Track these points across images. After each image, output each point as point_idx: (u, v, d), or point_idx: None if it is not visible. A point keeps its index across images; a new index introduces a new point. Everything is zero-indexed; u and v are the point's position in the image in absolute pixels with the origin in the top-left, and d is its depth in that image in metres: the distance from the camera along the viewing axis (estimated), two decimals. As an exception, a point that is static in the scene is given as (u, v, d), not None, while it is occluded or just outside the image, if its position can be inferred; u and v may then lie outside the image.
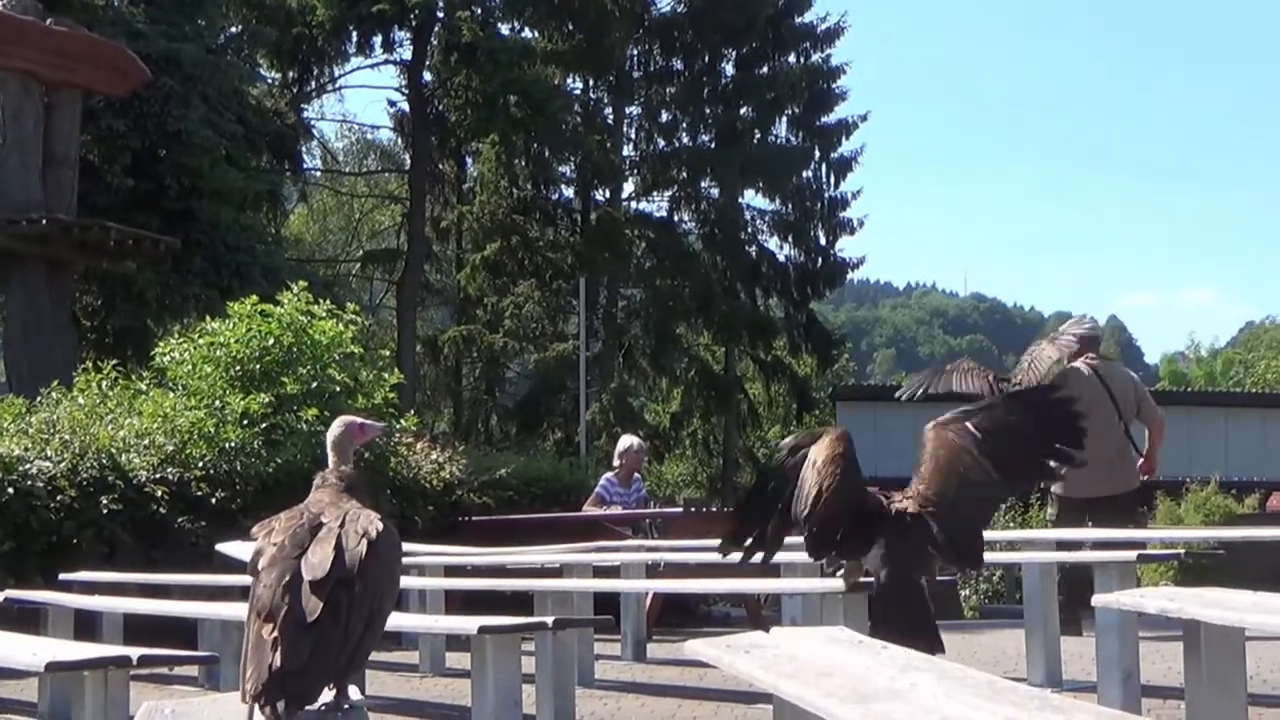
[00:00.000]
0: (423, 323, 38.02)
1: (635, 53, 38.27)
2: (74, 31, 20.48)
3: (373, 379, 14.99)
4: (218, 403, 13.70)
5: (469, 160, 38.29)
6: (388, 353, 17.40)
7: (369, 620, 3.76)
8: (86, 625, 9.95)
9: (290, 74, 34.93)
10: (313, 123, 39.46)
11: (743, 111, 38.15)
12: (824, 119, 38.20)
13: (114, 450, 12.93)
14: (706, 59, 38.04)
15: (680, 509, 15.58)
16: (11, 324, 19.82)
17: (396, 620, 8.56)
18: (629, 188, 38.96)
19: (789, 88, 37.33)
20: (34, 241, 19.30)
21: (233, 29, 31.76)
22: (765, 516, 5.72)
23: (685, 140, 38.54)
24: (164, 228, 22.78)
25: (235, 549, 11.60)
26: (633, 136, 38.91)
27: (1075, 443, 5.73)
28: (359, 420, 4.39)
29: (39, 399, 14.22)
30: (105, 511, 12.37)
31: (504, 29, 35.17)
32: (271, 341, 14.10)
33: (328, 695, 3.82)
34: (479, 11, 33.54)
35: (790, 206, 38.31)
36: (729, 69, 38.63)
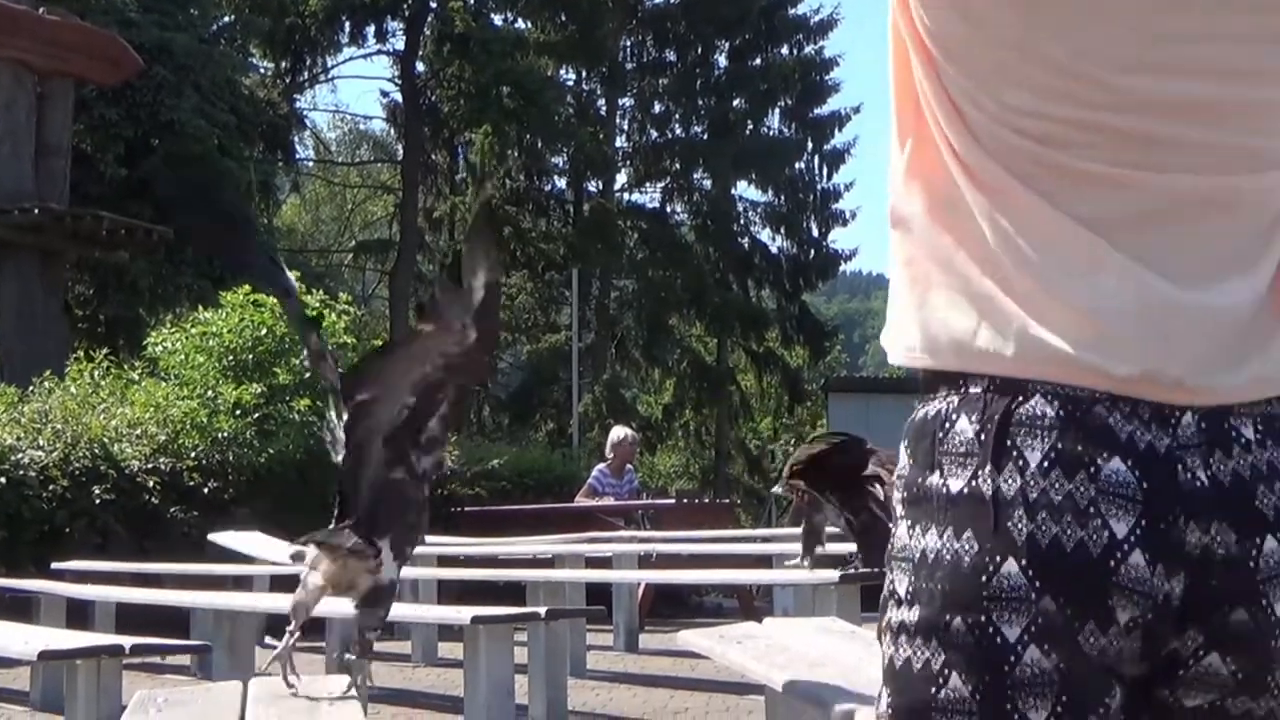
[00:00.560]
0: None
1: (628, 44, 38.22)
2: (66, 20, 20.44)
3: (365, 369, 14.98)
4: (210, 392, 13.71)
5: (461, 150, 38.24)
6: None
7: None
8: (79, 614, 9.94)
9: (283, 64, 34.86)
10: (305, 113, 39.43)
11: (735, 103, 38.08)
12: (817, 111, 38.13)
13: (106, 440, 12.93)
14: (699, 50, 37.97)
15: (672, 500, 15.58)
16: (4, 313, 19.77)
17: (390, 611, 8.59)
18: (621, 179, 38.92)
19: (782, 79, 37.28)
20: (26, 231, 19.29)
21: (225, 18, 31.71)
22: None
23: (678, 132, 38.48)
24: (156, 217, 22.75)
25: (227, 539, 11.60)
26: (625, 128, 38.85)
27: None
28: None
29: (31, 388, 14.20)
30: (98, 501, 12.37)
31: (497, 20, 35.13)
32: (264, 331, 14.11)
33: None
34: (472, 2, 33.49)
35: (783, 198, 38.25)
36: (722, 60, 38.55)
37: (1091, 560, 1.29)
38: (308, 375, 14.05)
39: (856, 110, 38.31)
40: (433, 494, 13.32)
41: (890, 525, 1.47)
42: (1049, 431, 1.32)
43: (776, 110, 38.35)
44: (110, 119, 23.84)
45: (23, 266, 19.58)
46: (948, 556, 1.34)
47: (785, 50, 38.14)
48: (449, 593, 10.56)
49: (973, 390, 1.37)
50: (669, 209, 38.84)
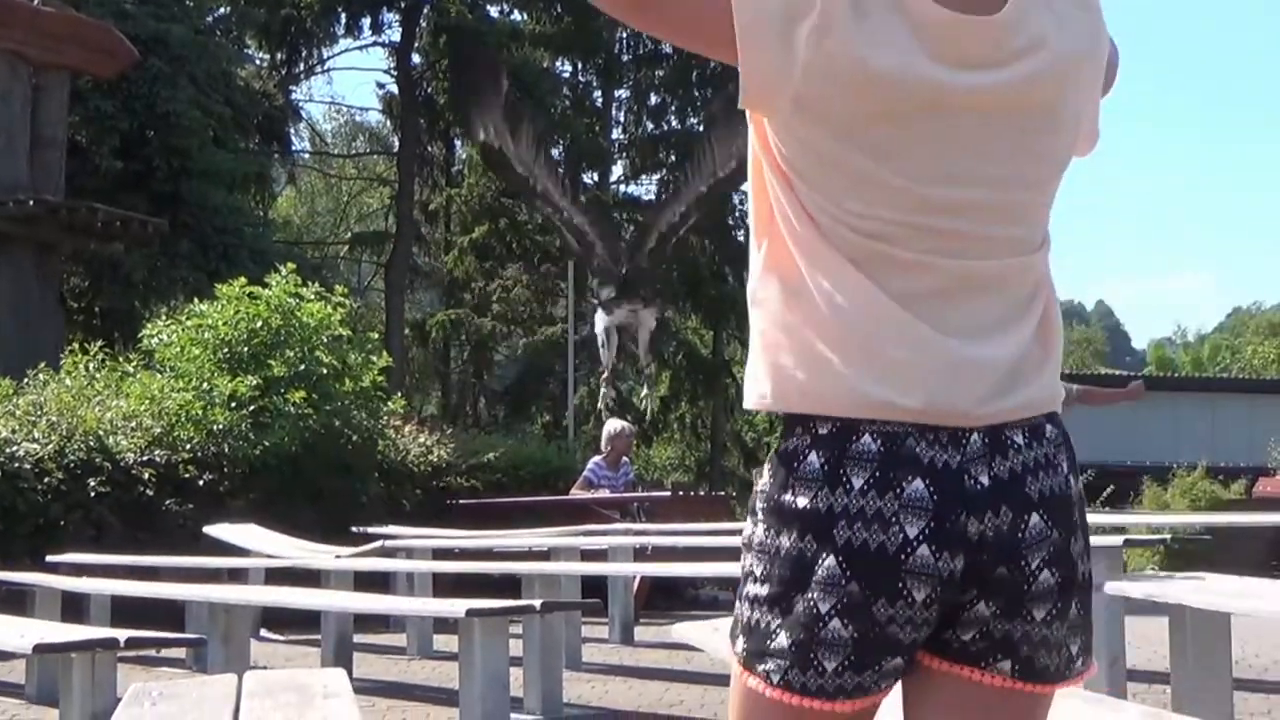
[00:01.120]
0: (411, 305, 37.98)
1: (624, 36, 38.14)
2: (62, 12, 20.44)
3: (361, 361, 14.99)
4: (205, 385, 13.70)
5: (458, 143, 38.20)
6: (376, 335, 17.38)
7: None
8: (74, 607, 9.94)
9: (279, 55, 34.83)
10: (301, 104, 39.40)
11: (732, 95, 38.12)
12: (813, 104, 38.18)
13: (101, 432, 12.93)
14: (696, 42, 37.97)
15: (668, 493, 15.58)
16: (-1, 306, 19.80)
17: (384, 603, 8.61)
18: (617, 171, 38.93)
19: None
20: (21, 223, 19.27)
21: (221, 10, 31.70)
22: None
23: (674, 124, 38.46)
24: (152, 209, 22.74)
25: (223, 531, 11.61)
26: (621, 120, 38.85)
27: None
28: None
29: (26, 381, 14.20)
30: (92, 493, 12.37)
31: (493, 11, 35.12)
32: (259, 324, 14.10)
33: None
34: (468, -7, 33.50)
35: (779, 191, 38.29)
36: (718, 52, 38.56)
37: (887, 556, 1.80)
38: (302, 367, 14.05)
39: (852, 104, 38.37)
40: (425, 485, 13.33)
41: None
42: (871, 462, 1.83)
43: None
44: (105, 111, 23.82)
45: (17, 259, 19.57)
46: (793, 552, 1.84)
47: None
48: (444, 585, 10.56)
49: (821, 431, 1.86)
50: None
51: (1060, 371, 2.04)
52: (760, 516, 1.90)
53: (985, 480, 1.84)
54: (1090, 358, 73.17)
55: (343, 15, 34.30)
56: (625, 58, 38.29)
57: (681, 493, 15.59)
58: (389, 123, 40.83)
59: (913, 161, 1.84)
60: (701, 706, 7.38)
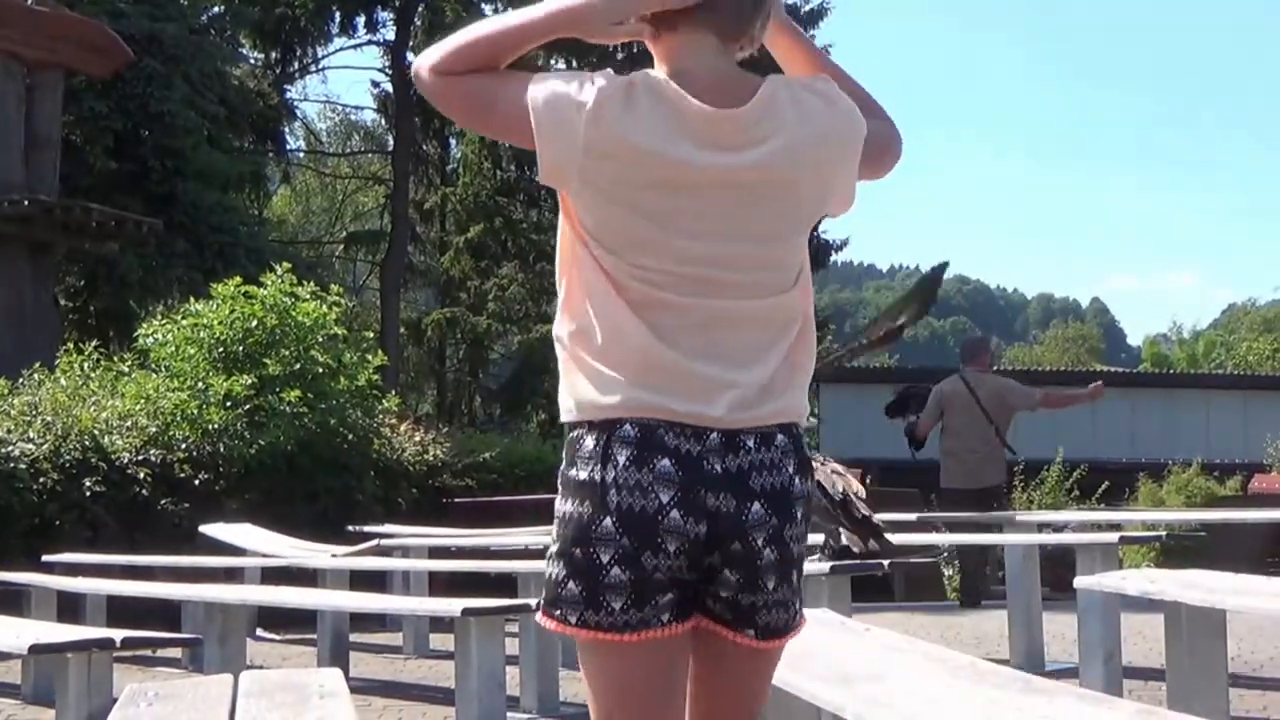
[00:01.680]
0: (406, 304, 37.95)
1: (618, 34, 38.22)
2: (56, 11, 20.42)
3: (356, 360, 14.99)
4: (200, 384, 13.70)
5: (453, 141, 38.18)
6: (371, 334, 17.39)
7: None
8: (70, 607, 9.94)
9: (273, 54, 34.80)
10: (296, 104, 39.37)
11: (726, 93, 38.11)
12: (808, 101, 38.19)
13: (96, 432, 12.93)
14: (690, 40, 37.99)
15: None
16: (-7, 305, 19.78)
17: (381, 602, 8.60)
18: (612, 168, 38.94)
19: (772, 69, 37.29)
20: (16, 223, 19.25)
21: (214, 9, 31.67)
22: None
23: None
24: (147, 209, 22.74)
25: (218, 530, 11.60)
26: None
27: None
28: None
29: (21, 381, 14.19)
30: (88, 493, 12.38)
31: (487, 9, 35.09)
32: (255, 323, 14.10)
33: None
34: (462, -9, 33.48)
35: (774, 188, 38.31)
36: (712, 51, 38.57)
37: (648, 516, 2.33)
38: (297, 366, 14.05)
39: (847, 100, 38.37)
40: (421, 484, 13.29)
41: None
42: (631, 445, 2.36)
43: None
44: (100, 111, 23.81)
45: (12, 258, 19.55)
46: (576, 515, 2.37)
47: (776, 40, 38.15)
48: (440, 584, 10.56)
49: (598, 422, 2.39)
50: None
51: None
52: (560, 491, 2.43)
53: (719, 469, 2.37)
54: (1085, 354, 73.21)
55: (337, 14, 34.28)
56: (619, 55, 38.29)
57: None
58: (384, 121, 40.79)
59: (678, 223, 2.37)
60: (698, 704, 7.37)
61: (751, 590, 2.41)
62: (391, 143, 38.34)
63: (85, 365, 14.69)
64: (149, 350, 14.58)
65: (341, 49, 37.20)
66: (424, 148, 37.71)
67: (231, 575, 10.64)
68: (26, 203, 19.13)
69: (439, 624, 9.54)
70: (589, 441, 2.38)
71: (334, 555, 10.13)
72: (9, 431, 12.62)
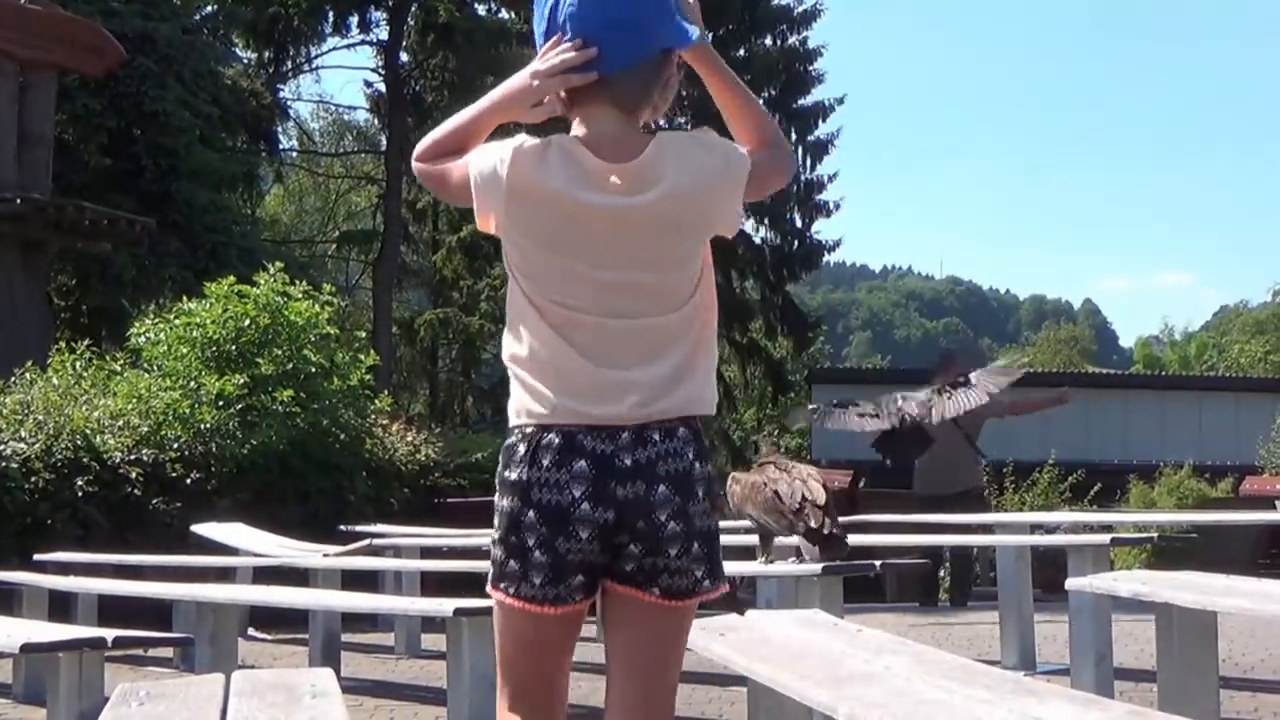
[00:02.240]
0: (399, 304, 37.93)
1: (612, 34, 38.18)
2: (49, 10, 20.39)
3: (348, 360, 14.99)
4: (193, 384, 13.69)
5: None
6: (363, 334, 17.40)
7: None
8: (61, 606, 9.92)
9: (266, 54, 34.73)
10: (289, 103, 39.30)
11: (719, 94, 38.03)
12: (800, 101, 38.09)
13: (88, 431, 12.92)
14: (683, 41, 37.91)
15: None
16: (-14, 304, 19.74)
17: (372, 602, 8.60)
18: (605, 169, 38.90)
19: (765, 70, 37.20)
20: (8, 221, 19.22)
21: (208, 8, 31.63)
22: None
23: (661, 122, 38.35)
24: (140, 208, 22.69)
25: (210, 530, 11.59)
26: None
27: None
28: None
29: (13, 380, 14.18)
30: (80, 493, 12.37)
31: (480, 9, 35.06)
32: (247, 322, 14.09)
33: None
34: (455, -8, 33.45)
35: (767, 189, 38.21)
36: (705, 51, 38.50)
37: (563, 509, 2.85)
38: (289, 366, 14.04)
39: (840, 101, 38.29)
40: (413, 484, 13.30)
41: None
42: (554, 450, 2.87)
43: (760, 101, 38.25)
44: (93, 109, 23.77)
45: (4, 257, 19.52)
46: (509, 509, 2.91)
47: (768, 41, 38.08)
48: (432, 584, 10.55)
49: (528, 431, 2.92)
50: (653, 199, 38.77)
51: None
52: (498, 489, 2.96)
53: (629, 462, 2.86)
54: (1077, 356, 73.19)
55: (330, 13, 34.21)
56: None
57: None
58: (376, 121, 40.78)
59: (588, 255, 2.89)
60: (689, 705, 7.38)
61: (655, 555, 2.88)
62: (384, 142, 38.29)
63: (77, 364, 14.66)
64: (141, 349, 14.57)
65: (335, 49, 37.23)
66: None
67: (223, 575, 10.63)
68: (19, 201, 19.10)
69: (431, 624, 9.53)
70: (521, 448, 2.92)
71: (326, 555, 10.13)
72: (1, 431, 12.61)
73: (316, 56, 37.53)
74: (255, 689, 4.40)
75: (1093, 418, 29.43)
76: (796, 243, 38.42)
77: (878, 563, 6.78)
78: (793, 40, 38.09)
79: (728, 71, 3.30)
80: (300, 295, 14.58)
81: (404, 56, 35.62)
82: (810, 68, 38.08)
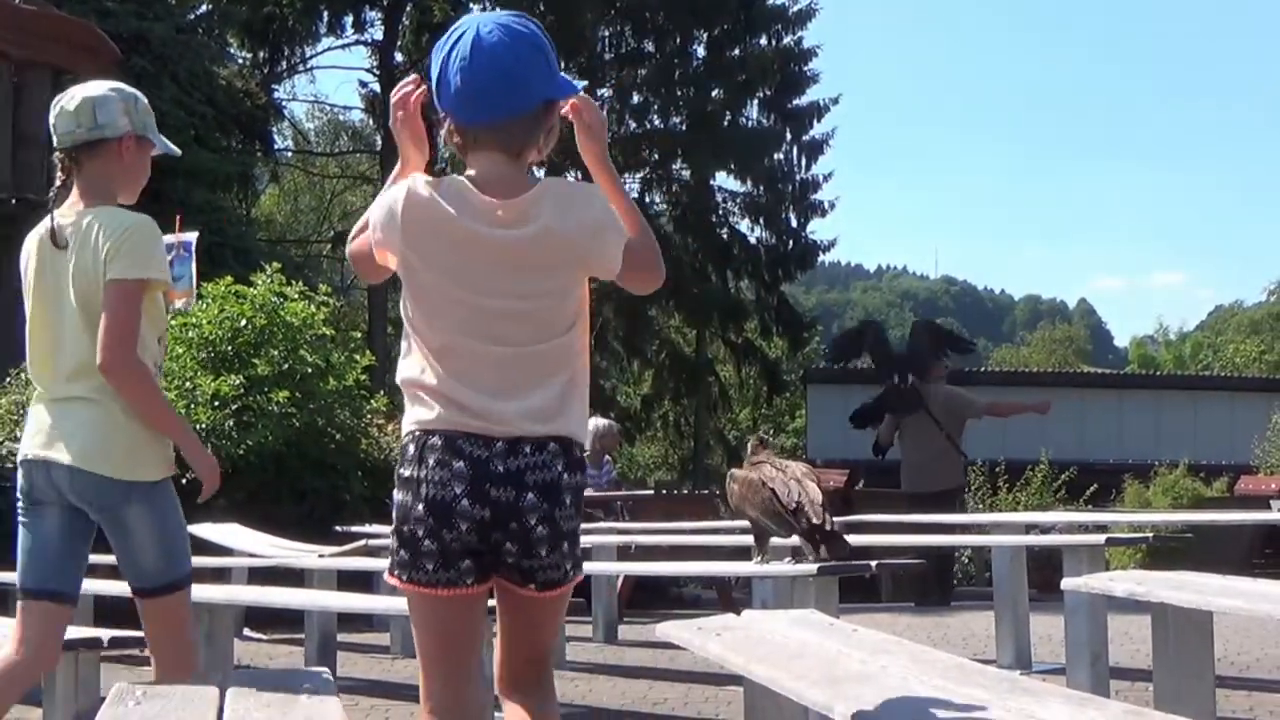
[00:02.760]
0: (394, 304, 37.76)
1: (606, 34, 38.20)
2: (43, 10, 20.38)
3: (344, 360, 14.97)
4: (189, 384, 13.66)
5: (441, 141, 38.16)
6: (359, 334, 17.35)
7: None
8: (56, 607, 9.89)
9: (261, 54, 34.78)
10: (284, 103, 39.37)
11: (714, 94, 38.04)
12: (795, 101, 38.16)
13: (84, 431, 12.87)
14: (678, 41, 37.93)
15: (651, 492, 15.54)
16: (-20, 304, 19.70)
17: (368, 602, 8.60)
18: (601, 169, 38.86)
19: (760, 70, 37.27)
20: (3, 222, 19.16)
21: (202, 8, 31.62)
22: None
23: (657, 123, 38.46)
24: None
25: (206, 530, 11.57)
26: (604, 118, 38.84)
27: None
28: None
29: (8, 380, 14.16)
30: (75, 493, 12.33)
31: (475, 8, 35.06)
32: (243, 323, 14.06)
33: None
34: (450, -9, 33.47)
35: (762, 189, 38.22)
36: (700, 51, 38.51)
37: (446, 503, 3.16)
38: (285, 366, 14.02)
39: (835, 101, 38.38)
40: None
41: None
42: (437, 450, 3.19)
43: (755, 101, 38.32)
44: (87, 109, 23.74)
45: (-1, 257, 19.51)
46: (402, 502, 3.23)
47: (764, 41, 38.15)
48: (428, 584, 10.54)
49: (416, 434, 3.24)
50: (648, 199, 38.80)
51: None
52: (396, 485, 3.26)
53: (501, 469, 3.17)
54: (1072, 356, 73.26)
55: (325, 13, 34.29)
56: (608, 56, 38.32)
57: (665, 492, 15.56)
58: (371, 121, 40.80)
59: (471, 282, 3.22)
60: (685, 705, 7.39)
61: (528, 557, 3.23)
62: (379, 142, 38.33)
63: (72, 364, 14.63)
64: (136, 350, 14.55)
65: (329, 49, 37.19)
66: (412, 147, 37.70)
67: (219, 575, 10.62)
68: (14, 202, 19.08)
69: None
70: (411, 449, 3.25)
71: (321, 555, 10.12)
72: (-4, 431, 12.61)
73: (311, 56, 37.64)
74: (251, 689, 4.41)
75: (1088, 417, 29.48)
76: (791, 243, 38.48)
77: (873, 563, 6.78)
78: (788, 40, 38.18)
79: (609, 170, 3.60)
80: (296, 295, 14.57)
81: (399, 56, 35.66)
82: (805, 68, 38.16)
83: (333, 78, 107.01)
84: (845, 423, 15.31)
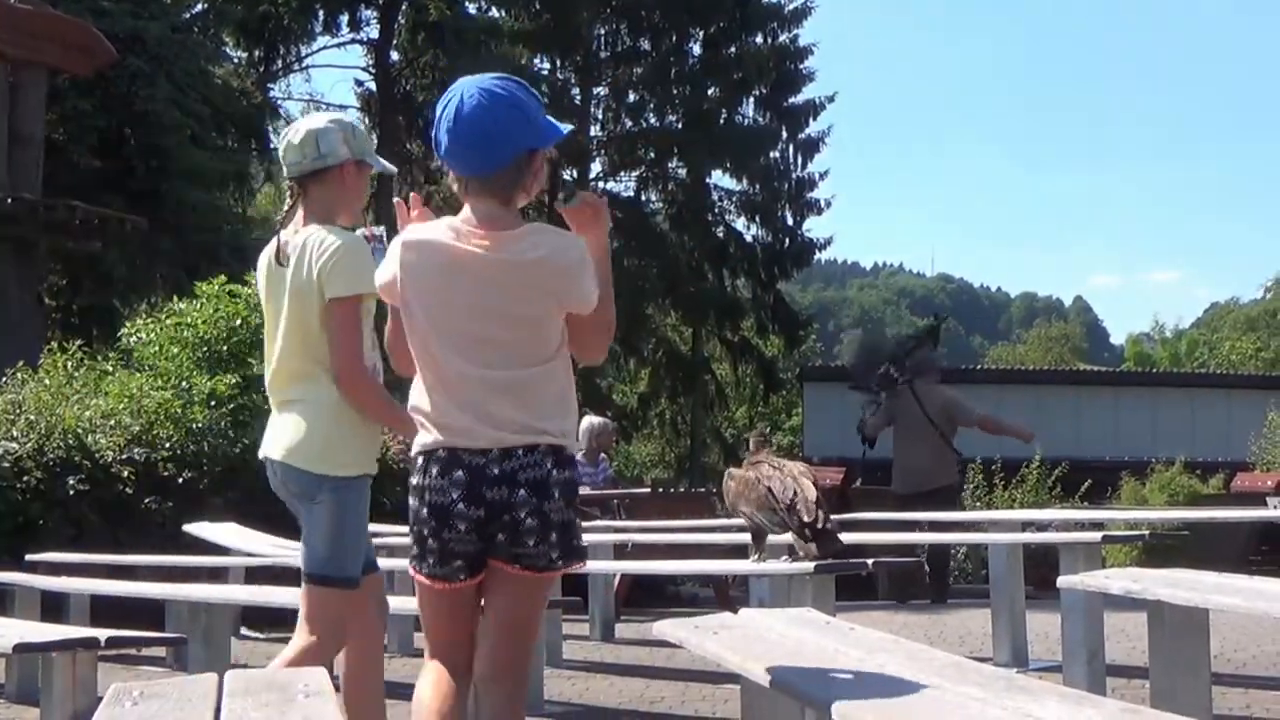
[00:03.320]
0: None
1: (602, 33, 38.16)
2: (39, 9, 20.38)
3: (341, 359, 14.94)
4: (184, 383, 13.66)
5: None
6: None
7: None
8: (53, 606, 9.92)
9: (256, 53, 34.73)
10: (279, 102, 39.25)
11: (710, 92, 38.02)
12: (791, 99, 38.15)
13: (80, 431, 12.89)
14: (674, 39, 37.90)
15: (648, 490, 15.52)
16: (-23, 304, 19.72)
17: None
18: (596, 168, 38.87)
19: (756, 68, 37.23)
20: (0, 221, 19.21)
21: (197, 7, 31.59)
22: None
23: (652, 121, 38.42)
24: (131, 207, 22.68)
25: (202, 529, 11.58)
26: (600, 117, 38.81)
27: None
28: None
29: (5, 379, 14.16)
30: (72, 492, 12.34)
31: (471, 8, 35.07)
32: (239, 322, 14.06)
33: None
34: (446, -10, 33.43)
35: (758, 187, 38.20)
36: (696, 49, 38.48)
37: (444, 508, 3.67)
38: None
39: (831, 99, 38.36)
40: (405, 483, 13.28)
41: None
42: (441, 462, 3.69)
43: (751, 99, 38.30)
44: (84, 109, 23.76)
45: (-5, 257, 19.51)
46: (414, 507, 3.73)
47: (759, 39, 38.11)
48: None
49: (426, 451, 3.73)
50: (644, 198, 38.79)
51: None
52: (411, 492, 3.75)
53: (496, 471, 3.65)
54: (1069, 353, 73.23)
55: (320, 12, 34.24)
56: (604, 54, 38.29)
57: (661, 490, 15.55)
58: (367, 120, 40.75)
59: (460, 303, 3.70)
60: (682, 704, 7.40)
61: (516, 545, 3.68)
62: (375, 141, 38.26)
63: (69, 364, 14.63)
64: (132, 349, 14.54)
65: (325, 47, 37.12)
66: (408, 146, 37.65)
67: (216, 574, 10.62)
68: (10, 201, 19.10)
69: (424, 623, 9.52)
70: (420, 461, 3.75)
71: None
72: (-8, 430, 12.60)
73: (307, 55, 37.52)
74: (249, 688, 4.40)
75: (1084, 414, 29.47)
76: (788, 240, 38.46)
77: (869, 561, 6.79)
78: (784, 38, 38.15)
79: (604, 255, 4.00)
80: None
81: (394, 55, 35.63)
82: (801, 65, 38.15)
83: (328, 76, 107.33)
84: (841, 420, 15.33)
